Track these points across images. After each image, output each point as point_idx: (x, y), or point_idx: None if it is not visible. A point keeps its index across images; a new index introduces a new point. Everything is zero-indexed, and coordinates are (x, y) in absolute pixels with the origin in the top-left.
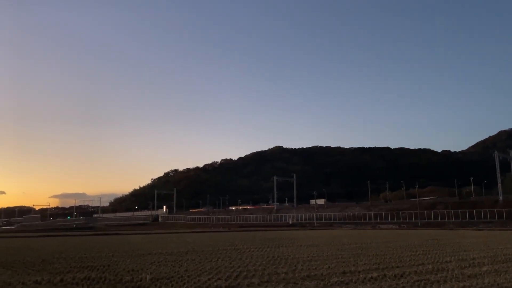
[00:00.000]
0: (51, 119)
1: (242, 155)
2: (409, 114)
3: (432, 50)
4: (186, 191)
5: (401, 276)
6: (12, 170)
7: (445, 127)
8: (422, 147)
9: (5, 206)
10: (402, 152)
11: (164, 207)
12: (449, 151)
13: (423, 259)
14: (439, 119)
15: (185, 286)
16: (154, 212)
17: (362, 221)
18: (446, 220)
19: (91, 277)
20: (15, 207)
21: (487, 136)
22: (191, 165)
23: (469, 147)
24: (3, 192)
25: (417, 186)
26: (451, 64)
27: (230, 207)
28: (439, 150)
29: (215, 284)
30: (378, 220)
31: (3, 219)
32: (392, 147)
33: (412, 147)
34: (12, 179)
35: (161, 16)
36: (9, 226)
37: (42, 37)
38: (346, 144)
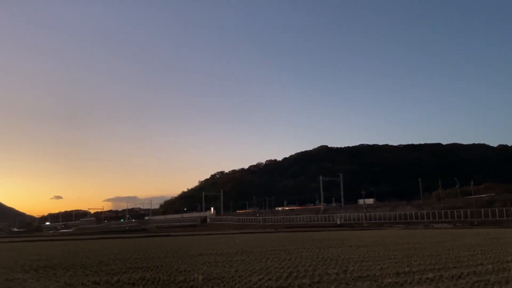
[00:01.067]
0: (103, 126)
1: (287, 156)
2: (461, 108)
3: (485, 42)
4: (232, 193)
5: (459, 277)
6: (68, 176)
7: (500, 120)
8: (476, 142)
9: (62, 210)
10: (455, 147)
11: (212, 208)
12: (506, 146)
13: (482, 259)
14: (494, 112)
15: (237, 286)
16: (202, 214)
17: (413, 220)
18: (505, 218)
19: (146, 278)
20: (71, 211)
21: None
22: (236, 166)
23: None
24: (60, 197)
25: (472, 183)
26: (502, 55)
27: (276, 208)
28: (495, 145)
29: (265, 284)
30: (431, 219)
31: (61, 223)
32: (444, 143)
33: (465, 143)
34: (68, 185)
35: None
36: (66, 229)
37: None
38: (394, 142)
